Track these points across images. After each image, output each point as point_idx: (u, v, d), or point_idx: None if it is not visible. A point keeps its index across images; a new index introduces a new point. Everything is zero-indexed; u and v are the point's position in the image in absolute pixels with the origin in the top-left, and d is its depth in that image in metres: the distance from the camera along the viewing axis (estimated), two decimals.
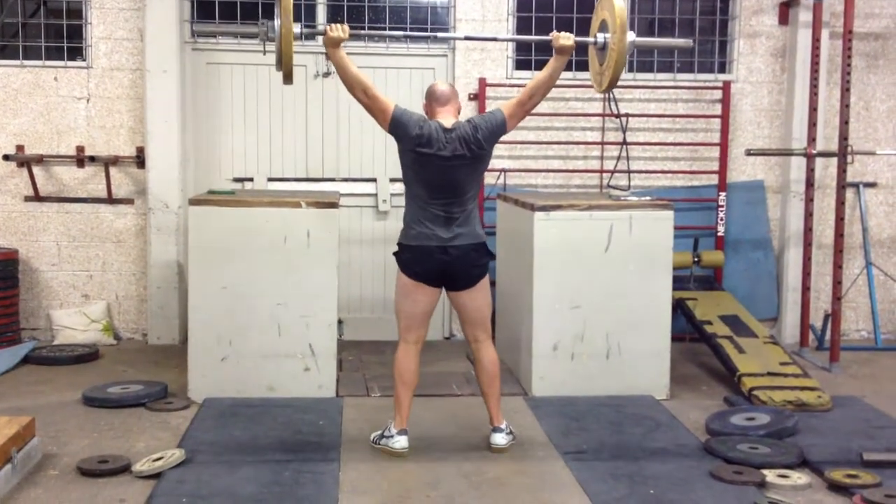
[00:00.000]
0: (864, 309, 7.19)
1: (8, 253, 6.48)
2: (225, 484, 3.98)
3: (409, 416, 4.47)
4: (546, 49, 6.88)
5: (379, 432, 4.52)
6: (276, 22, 4.21)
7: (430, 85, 4.56)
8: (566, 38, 4.44)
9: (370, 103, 4.32)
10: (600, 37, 4.58)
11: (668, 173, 7.06)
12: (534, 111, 7.06)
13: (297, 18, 6.94)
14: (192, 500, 3.79)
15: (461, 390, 5.54)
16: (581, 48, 4.66)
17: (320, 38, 6.71)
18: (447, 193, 4.34)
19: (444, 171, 4.30)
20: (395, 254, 4.51)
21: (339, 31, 4.28)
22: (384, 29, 6.84)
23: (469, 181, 4.38)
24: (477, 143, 4.31)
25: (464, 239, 4.36)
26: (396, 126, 4.32)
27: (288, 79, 4.31)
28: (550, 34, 4.48)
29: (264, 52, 4.52)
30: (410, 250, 4.40)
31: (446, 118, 4.38)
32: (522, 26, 6.90)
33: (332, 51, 4.30)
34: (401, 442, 4.40)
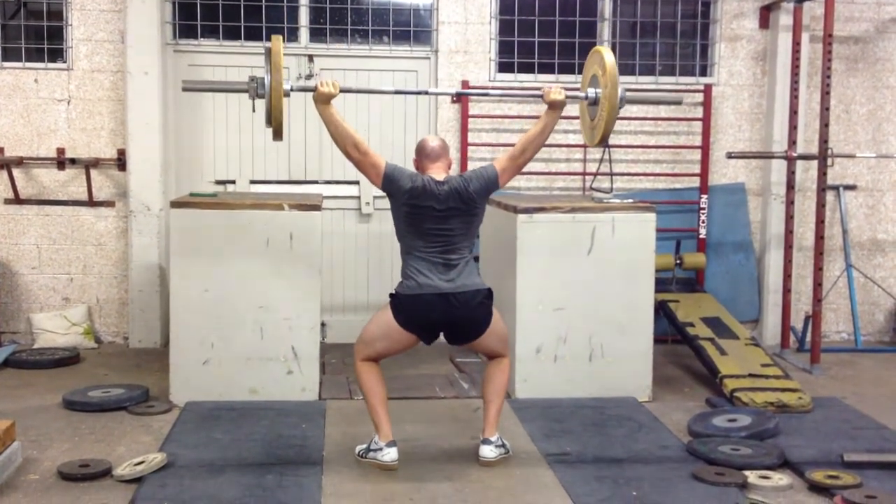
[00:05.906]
0: (845, 311, 7.24)
1: None
2: (207, 488, 3.96)
3: (390, 426, 4.32)
4: (530, 53, 7.00)
5: (364, 445, 4.37)
6: (266, 78, 4.20)
7: (421, 140, 4.47)
8: (557, 93, 4.38)
9: (361, 158, 4.24)
10: (591, 91, 4.56)
11: (650, 176, 7.09)
12: (515, 114, 7.09)
13: (279, 19, 6.96)
14: None
15: (444, 393, 5.54)
16: (567, 106, 4.57)
17: (302, 38, 6.75)
18: (443, 241, 4.23)
19: (438, 220, 4.21)
20: (391, 296, 4.31)
21: (330, 87, 4.26)
22: (367, 30, 6.84)
23: (464, 231, 4.29)
24: (469, 197, 4.24)
25: (468, 287, 4.23)
26: (390, 181, 4.24)
27: (278, 135, 4.31)
28: (541, 89, 4.45)
29: (254, 110, 4.49)
30: (411, 300, 4.21)
31: (437, 173, 4.31)
32: (505, 28, 6.92)
33: (322, 107, 4.26)
34: (390, 454, 4.24)
